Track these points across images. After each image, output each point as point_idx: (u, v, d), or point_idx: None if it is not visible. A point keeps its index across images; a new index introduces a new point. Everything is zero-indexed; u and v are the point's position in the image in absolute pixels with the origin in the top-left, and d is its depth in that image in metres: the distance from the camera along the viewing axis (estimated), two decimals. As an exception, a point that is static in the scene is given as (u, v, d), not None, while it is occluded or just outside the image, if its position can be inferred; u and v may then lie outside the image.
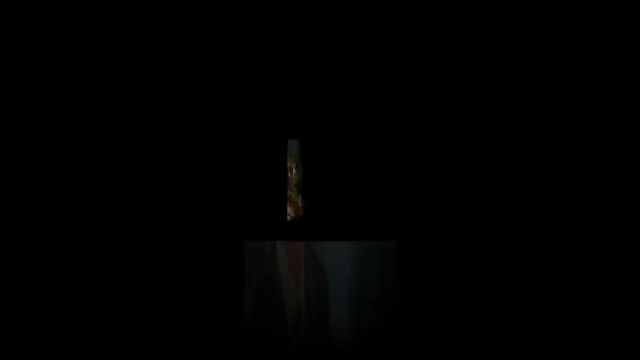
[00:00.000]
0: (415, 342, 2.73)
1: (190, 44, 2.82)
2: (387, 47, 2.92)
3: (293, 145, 2.88)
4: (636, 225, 2.62)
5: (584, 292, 2.60)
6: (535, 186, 2.75)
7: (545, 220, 2.70)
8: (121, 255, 2.71)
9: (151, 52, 2.81)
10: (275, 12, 2.82)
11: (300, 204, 2.88)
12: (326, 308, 2.78)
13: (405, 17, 2.90)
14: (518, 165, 2.78)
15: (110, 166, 2.79)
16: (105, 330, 2.60)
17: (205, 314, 2.73)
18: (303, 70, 2.90)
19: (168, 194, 2.77)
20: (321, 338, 2.76)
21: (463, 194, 2.81)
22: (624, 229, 2.62)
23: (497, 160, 2.80)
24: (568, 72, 2.76)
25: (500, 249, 2.71)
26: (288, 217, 2.88)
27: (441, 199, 2.83)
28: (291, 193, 2.86)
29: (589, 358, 2.50)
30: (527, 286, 2.66)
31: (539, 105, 2.79)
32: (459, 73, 2.85)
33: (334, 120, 2.98)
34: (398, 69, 2.92)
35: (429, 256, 2.77)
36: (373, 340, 2.73)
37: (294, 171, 2.90)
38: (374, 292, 2.77)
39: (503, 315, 2.65)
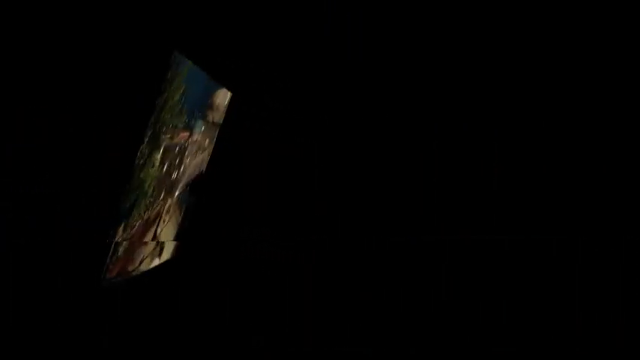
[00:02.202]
0: (415, 342, 2.71)
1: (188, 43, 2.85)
2: (388, 47, 2.93)
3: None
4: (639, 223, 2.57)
5: (586, 291, 2.55)
6: (538, 184, 2.72)
7: (548, 218, 2.67)
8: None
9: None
10: (275, 12, 2.84)
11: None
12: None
13: (406, 17, 2.90)
14: (520, 163, 2.76)
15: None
16: None
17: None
18: (303, 70, 2.91)
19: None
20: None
21: (466, 192, 2.79)
22: (627, 227, 2.57)
23: (499, 158, 2.78)
24: (570, 71, 2.74)
25: (502, 247, 2.68)
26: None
27: (443, 196, 2.81)
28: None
29: (589, 358, 2.45)
30: (528, 285, 2.63)
31: (542, 103, 2.77)
32: (461, 72, 2.84)
33: (337, 120, 2.99)
34: (399, 68, 2.92)
35: (432, 254, 2.75)
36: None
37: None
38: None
39: (503, 314, 2.62)
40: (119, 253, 2.09)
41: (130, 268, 2.28)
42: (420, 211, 2.82)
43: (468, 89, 2.83)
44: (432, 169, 2.84)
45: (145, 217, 2.29)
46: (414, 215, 2.82)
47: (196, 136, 2.54)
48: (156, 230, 2.47)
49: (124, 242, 2.11)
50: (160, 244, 2.56)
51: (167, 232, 2.61)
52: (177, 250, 2.79)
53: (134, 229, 2.20)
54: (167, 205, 2.51)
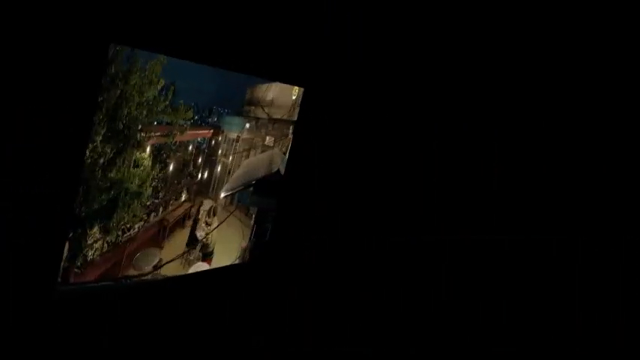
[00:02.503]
0: (415, 342, 2.71)
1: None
2: (388, 47, 2.93)
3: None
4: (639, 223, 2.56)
5: (586, 291, 2.54)
6: (538, 184, 2.71)
7: (548, 218, 2.66)
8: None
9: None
10: (274, 11, 2.84)
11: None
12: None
13: (406, 17, 2.90)
14: (521, 162, 2.75)
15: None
16: None
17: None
18: (302, 70, 2.91)
19: None
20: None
21: (466, 192, 2.79)
22: (627, 227, 2.56)
23: (500, 158, 2.77)
24: (570, 71, 2.73)
25: (502, 247, 2.68)
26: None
27: (443, 196, 2.81)
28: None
29: (589, 358, 2.45)
30: (528, 285, 2.62)
31: (542, 103, 2.76)
32: (461, 71, 2.84)
33: (336, 119, 2.99)
34: (399, 68, 2.92)
35: (432, 254, 2.75)
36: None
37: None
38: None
39: (503, 315, 2.61)
40: (92, 256, 2.05)
41: (132, 272, 2.24)
42: (420, 211, 2.82)
43: (467, 89, 2.82)
44: (432, 169, 2.84)
45: (154, 219, 2.26)
46: (414, 215, 2.82)
47: (235, 134, 2.48)
48: (192, 233, 2.43)
49: (99, 244, 2.07)
50: (202, 247, 2.50)
51: (223, 235, 2.56)
52: (250, 253, 2.73)
53: (131, 231, 2.17)
54: (206, 207, 2.47)
